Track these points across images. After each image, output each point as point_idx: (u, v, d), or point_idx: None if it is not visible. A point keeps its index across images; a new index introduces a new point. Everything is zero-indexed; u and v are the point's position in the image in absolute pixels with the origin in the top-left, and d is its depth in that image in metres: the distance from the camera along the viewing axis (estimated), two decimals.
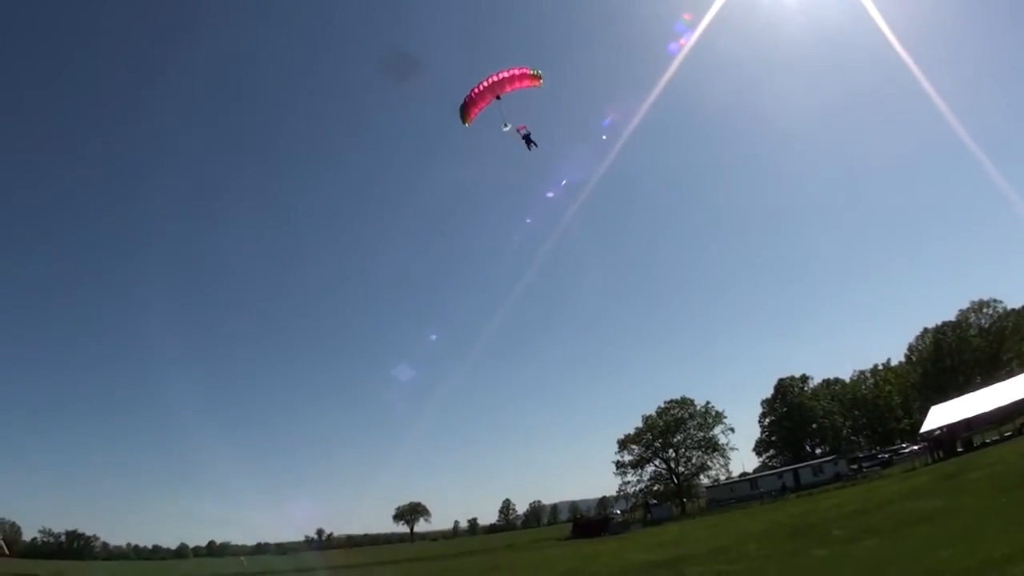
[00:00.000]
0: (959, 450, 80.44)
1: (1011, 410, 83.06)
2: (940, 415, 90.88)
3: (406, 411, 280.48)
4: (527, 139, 43.40)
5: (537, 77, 42.22)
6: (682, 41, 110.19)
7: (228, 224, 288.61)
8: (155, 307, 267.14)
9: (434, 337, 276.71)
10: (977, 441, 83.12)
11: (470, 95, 41.56)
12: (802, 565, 30.68)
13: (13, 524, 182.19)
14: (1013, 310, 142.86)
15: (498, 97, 41.60)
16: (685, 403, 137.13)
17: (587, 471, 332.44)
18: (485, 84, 41.22)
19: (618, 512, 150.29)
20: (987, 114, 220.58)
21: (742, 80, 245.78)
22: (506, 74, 41.63)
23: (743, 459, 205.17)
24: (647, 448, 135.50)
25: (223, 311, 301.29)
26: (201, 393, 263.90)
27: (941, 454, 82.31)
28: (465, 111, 42.12)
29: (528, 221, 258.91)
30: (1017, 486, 35.70)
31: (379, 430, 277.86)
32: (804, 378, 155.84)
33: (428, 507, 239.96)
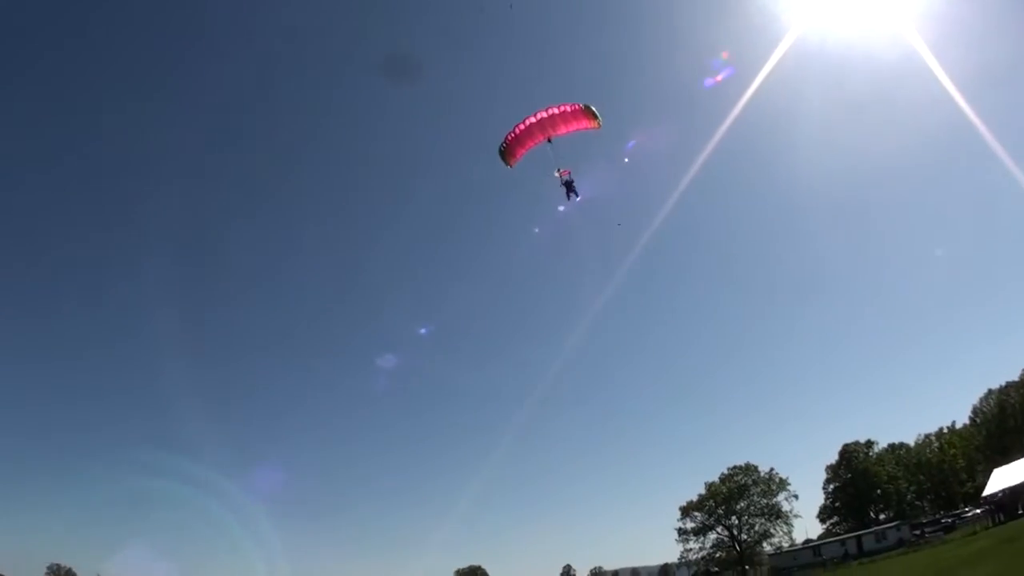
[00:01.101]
0: (1020, 512, 79.74)
1: None
2: (1003, 477, 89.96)
3: (462, 468, 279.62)
4: (568, 186, 39.92)
5: (594, 117, 37.63)
6: (719, 77, 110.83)
7: (230, 233, 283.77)
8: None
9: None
10: None
11: (514, 133, 38.10)
12: None
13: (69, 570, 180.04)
14: None
15: (549, 140, 38.10)
16: (749, 469, 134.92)
17: (649, 537, 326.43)
18: (532, 121, 37.47)
19: None
20: None
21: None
22: (556, 111, 37.51)
23: (806, 526, 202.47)
24: (709, 515, 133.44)
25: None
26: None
27: (1002, 517, 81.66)
28: (509, 151, 38.97)
29: (536, 229, 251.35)
30: None
31: (435, 489, 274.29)
32: (869, 443, 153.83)
33: (487, 571, 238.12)
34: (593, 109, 37.37)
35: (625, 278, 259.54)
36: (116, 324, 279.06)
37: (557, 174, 39.34)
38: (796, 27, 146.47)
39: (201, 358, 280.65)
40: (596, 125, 37.83)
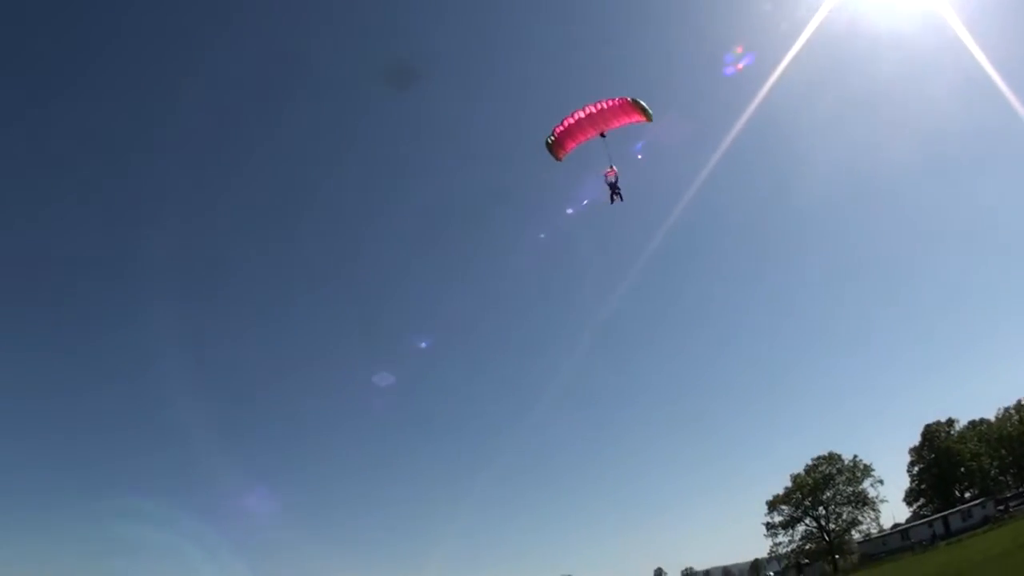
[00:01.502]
0: None
1: None
2: None
3: (549, 479, 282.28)
4: (613, 187, 39.35)
5: (643, 111, 37.21)
6: (739, 66, 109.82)
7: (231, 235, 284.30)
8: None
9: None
10: None
11: (563, 126, 37.80)
12: None
13: None
14: None
15: (603, 135, 37.88)
16: (832, 458, 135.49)
17: (738, 534, 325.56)
18: (582, 115, 37.23)
19: (771, 574, 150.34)
20: None
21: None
22: (605, 105, 37.23)
23: (893, 511, 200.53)
24: (796, 507, 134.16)
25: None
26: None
27: None
28: (558, 144, 38.51)
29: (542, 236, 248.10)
30: None
31: (524, 501, 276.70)
32: (950, 422, 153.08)
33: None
34: (641, 103, 37.07)
35: (678, 265, 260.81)
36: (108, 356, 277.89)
37: (609, 170, 39.01)
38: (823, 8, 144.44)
39: (202, 382, 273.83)
40: (646, 118, 37.47)
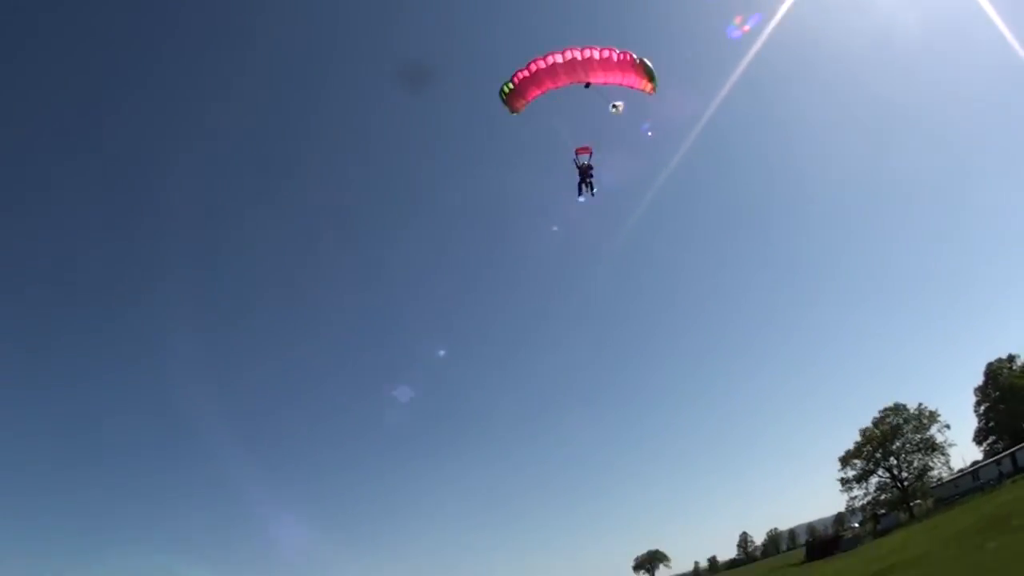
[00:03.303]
0: None
1: None
2: None
3: (634, 460, 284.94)
4: (584, 172, 32.43)
5: (650, 76, 30.51)
6: (746, 27, 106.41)
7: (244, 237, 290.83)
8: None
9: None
10: None
11: (530, 72, 30.21)
12: (974, 562, 36.23)
13: None
14: None
15: (587, 86, 30.53)
16: (898, 409, 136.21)
17: (821, 489, 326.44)
18: (559, 60, 29.69)
19: (855, 526, 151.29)
20: None
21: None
22: (596, 54, 29.67)
23: (963, 453, 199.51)
24: (868, 460, 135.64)
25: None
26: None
27: None
28: (518, 92, 30.88)
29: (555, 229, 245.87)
30: None
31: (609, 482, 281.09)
32: (1011, 358, 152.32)
33: (667, 553, 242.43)
34: (649, 65, 30.27)
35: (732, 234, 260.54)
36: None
37: (615, 108, 30.95)
38: None
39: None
40: (650, 88, 30.65)
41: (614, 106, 30.85)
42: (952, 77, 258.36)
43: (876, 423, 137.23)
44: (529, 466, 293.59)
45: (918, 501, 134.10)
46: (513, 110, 31.44)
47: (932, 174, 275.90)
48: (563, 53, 29.71)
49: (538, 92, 31.01)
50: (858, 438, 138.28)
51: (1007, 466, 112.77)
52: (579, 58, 29.58)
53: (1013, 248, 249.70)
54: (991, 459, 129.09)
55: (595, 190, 32.88)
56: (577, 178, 32.53)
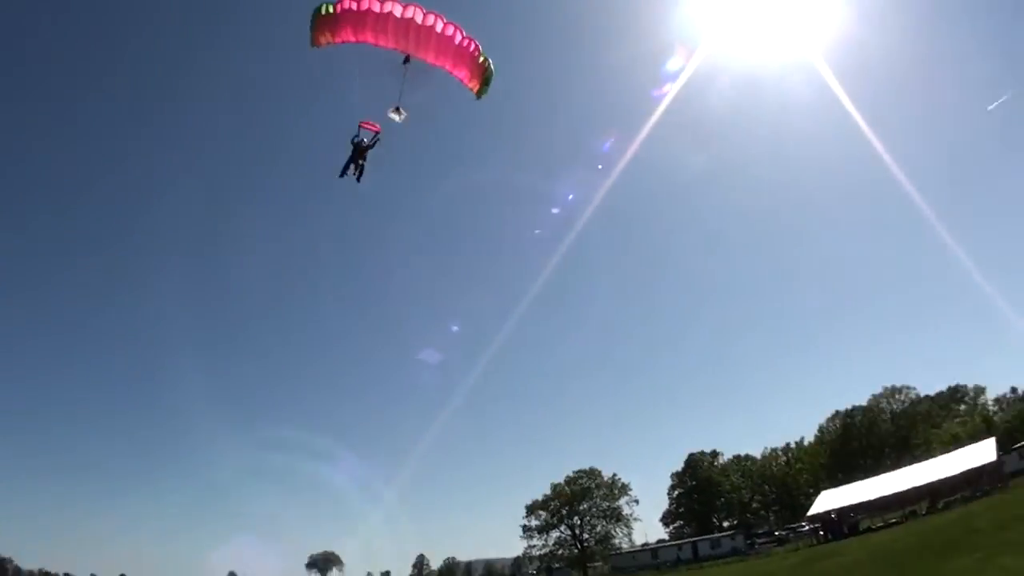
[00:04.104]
0: (845, 533, 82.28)
1: (901, 497, 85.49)
2: (829, 499, 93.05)
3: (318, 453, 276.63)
4: (360, 152, 27.19)
5: (483, 80, 27.00)
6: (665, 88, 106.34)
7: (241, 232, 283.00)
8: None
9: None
10: (863, 526, 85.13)
11: (360, 8, 24.47)
12: None
13: None
14: (926, 396, 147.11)
15: (406, 60, 25.53)
16: (593, 473, 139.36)
17: (506, 530, 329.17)
18: (393, 12, 24.67)
19: (531, 573, 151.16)
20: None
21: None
22: (440, 27, 25.24)
23: (646, 529, 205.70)
24: (553, 515, 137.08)
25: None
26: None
27: (830, 536, 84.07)
28: (330, 25, 24.98)
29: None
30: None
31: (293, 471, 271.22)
32: (715, 453, 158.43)
33: (341, 556, 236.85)
34: (490, 67, 26.79)
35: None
36: None
37: (398, 115, 26.43)
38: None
39: None
40: (476, 87, 26.96)
41: (396, 109, 26.45)
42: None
43: (568, 481, 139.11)
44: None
45: (598, 563, 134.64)
46: (314, 42, 25.44)
47: (704, 261, 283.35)
48: (405, 7, 24.71)
49: (352, 39, 25.32)
50: (548, 491, 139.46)
51: (687, 552, 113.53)
52: (418, 22, 24.87)
53: (744, 352, 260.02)
54: (673, 542, 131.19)
55: (362, 177, 27.69)
56: (349, 154, 27.23)
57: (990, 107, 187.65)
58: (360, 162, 27.34)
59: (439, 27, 25.10)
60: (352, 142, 27.17)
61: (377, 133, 27.15)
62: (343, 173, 27.35)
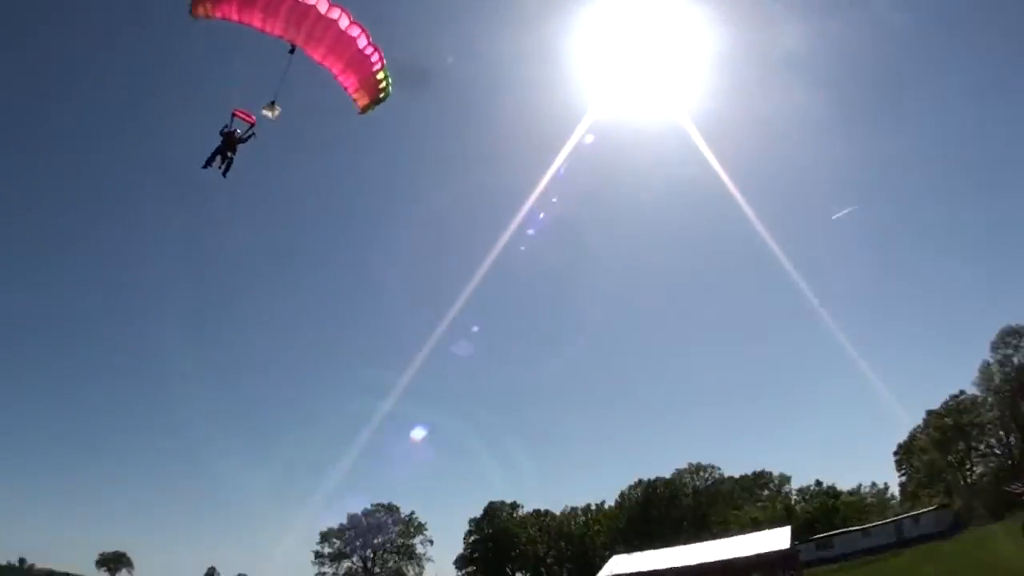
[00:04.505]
0: None
1: (693, 571, 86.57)
2: (621, 563, 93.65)
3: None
4: (230, 143, 24.07)
5: (372, 99, 24.71)
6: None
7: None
8: None
9: None
10: None
11: None
12: None
13: None
14: (731, 477, 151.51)
15: (291, 50, 22.59)
16: (391, 509, 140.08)
17: (299, 555, 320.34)
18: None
19: None
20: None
21: None
22: (341, 23, 22.35)
23: (437, 571, 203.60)
24: (347, 544, 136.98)
25: None
26: None
27: None
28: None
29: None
30: None
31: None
32: (515, 505, 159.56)
33: (132, 559, 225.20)
34: (388, 87, 24.45)
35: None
36: None
37: (271, 113, 23.55)
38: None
39: None
40: (363, 102, 24.65)
41: (271, 105, 23.52)
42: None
43: (366, 514, 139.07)
44: None
45: None
46: (192, 11, 22.03)
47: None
48: None
49: (235, 17, 22.09)
50: (345, 520, 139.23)
51: None
52: (319, 12, 21.64)
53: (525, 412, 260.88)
54: None
55: (228, 171, 24.65)
56: (218, 144, 24.12)
57: (835, 216, 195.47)
58: (229, 155, 24.43)
59: (343, 24, 22.31)
60: (222, 132, 24.28)
61: (252, 125, 24.33)
62: (207, 164, 24.38)
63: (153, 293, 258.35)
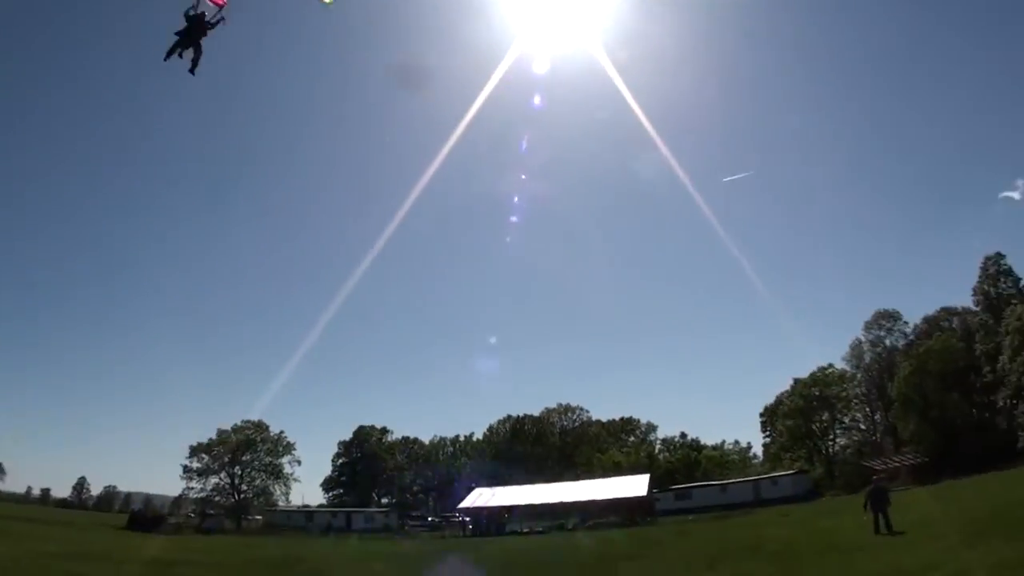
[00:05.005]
0: (492, 531, 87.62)
1: (552, 509, 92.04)
2: (484, 496, 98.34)
3: None
4: (196, 28, 18.51)
5: None
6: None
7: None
8: None
9: None
10: (510, 528, 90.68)
11: None
12: None
13: None
14: (598, 421, 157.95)
15: None
16: (260, 427, 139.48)
17: (168, 468, 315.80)
18: None
19: (189, 514, 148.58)
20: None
21: None
22: None
23: (304, 492, 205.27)
24: (215, 460, 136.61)
25: None
26: None
27: (478, 531, 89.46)
28: None
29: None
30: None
31: None
32: (384, 430, 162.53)
33: (3, 465, 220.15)
34: None
35: None
36: None
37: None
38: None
39: None
40: None
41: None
42: None
43: (235, 430, 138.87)
44: None
45: (257, 517, 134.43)
46: None
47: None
48: None
49: None
50: (214, 435, 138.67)
51: (340, 521, 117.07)
52: None
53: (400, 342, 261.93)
54: (329, 509, 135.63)
55: (197, 67, 19.36)
56: (182, 28, 18.75)
57: (726, 179, 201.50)
58: (199, 47, 19.18)
59: None
60: (187, 14, 18.67)
61: (222, 7, 18.78)
62: (168, 55, 19.04)
63: None
